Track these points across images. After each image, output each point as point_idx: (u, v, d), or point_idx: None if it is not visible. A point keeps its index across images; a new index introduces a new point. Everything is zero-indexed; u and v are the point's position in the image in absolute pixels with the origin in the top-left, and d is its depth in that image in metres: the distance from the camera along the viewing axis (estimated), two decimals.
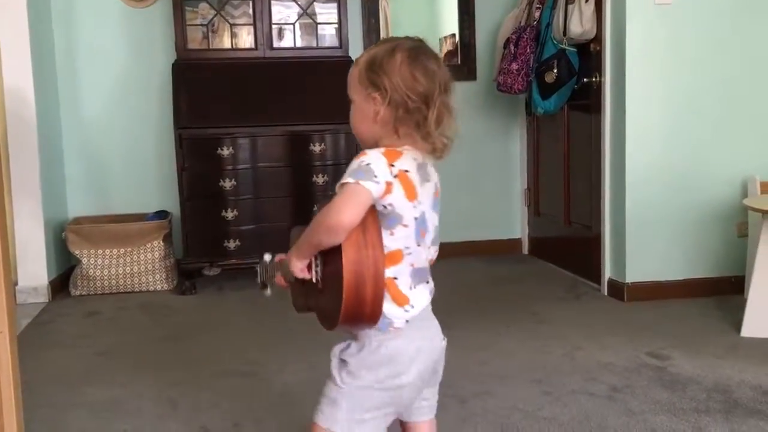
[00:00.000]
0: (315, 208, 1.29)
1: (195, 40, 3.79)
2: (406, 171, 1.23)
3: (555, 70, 3.46)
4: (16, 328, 1.45)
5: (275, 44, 3.83)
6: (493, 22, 4.19)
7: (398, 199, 1.21)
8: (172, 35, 3.71)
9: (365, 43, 4.13)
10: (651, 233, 3.21)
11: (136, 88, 3.95)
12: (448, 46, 4.38)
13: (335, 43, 3.88)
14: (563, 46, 3.43)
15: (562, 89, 3.50)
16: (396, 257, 1.23)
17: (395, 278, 1.24)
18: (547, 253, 4.11)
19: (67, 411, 2.14)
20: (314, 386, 2.25)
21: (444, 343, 1.34)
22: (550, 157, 3.97)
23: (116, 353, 2.69)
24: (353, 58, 3.83)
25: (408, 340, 1.25)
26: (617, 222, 3.27)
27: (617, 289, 3.26)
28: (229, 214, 3.54)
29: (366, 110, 1.29)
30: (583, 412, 2.05)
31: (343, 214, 1.17)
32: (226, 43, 3.84)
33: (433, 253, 1.33)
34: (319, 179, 3.62)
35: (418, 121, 1.26)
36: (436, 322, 1.33)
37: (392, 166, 1.22)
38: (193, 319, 3.16)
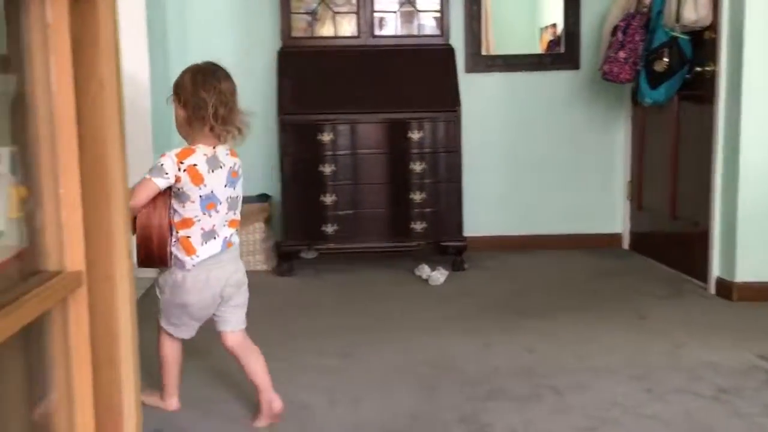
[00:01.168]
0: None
1: (299, 28, 3.88)
2: (194, 165, 1.85)
3: (666, 59, 3.32)
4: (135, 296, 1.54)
5: (376, 32, 3.86)
6: (599, 10, 4.07)
7: (186, 185, 1.84)
8: (278, 24, 3.81)
9: (466, 32, 4.10)
10: (765, 230, 3.04)
11: (242, 76, 4.02)
12: (548, 36, 4.29)
13: (436, 31, 3.87)
14: (675, 34, 3.29)
15: (672, 79, 3.35)
16: (188, 223, 1.87)
17: (189, 237, 1.87)
18: (649, 249, 3.97)
19: None
20: (409, 371, 2.28)
21: (237, 276, 1.94)
22: (657, 149, 3.82)
23: None
24: (454, 46, 3.84)
25: (194, 276, 1.87)
26: (728, 218, 3.12)
27: (726, 288, 3.11)
28: (328, 199, 3.61)
29: (176, 114, 1.95)
30: (687, 411, 1.98)
31: (135, 200, 1.80)
32: (329, 31, 3.91)
33: (232, 216, 1.95)
34: (417, 167, 3.63)
35: (203, 117, 1.87)
36: (231, 266, 1.93)
37: (182, 163, 1.84)
38: (290, 299, 3.25)
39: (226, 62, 4.04)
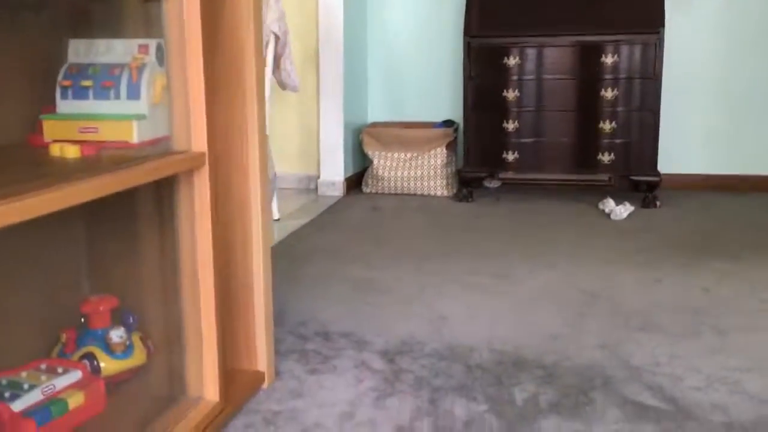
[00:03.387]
0: None
1: None
2: None
3: None
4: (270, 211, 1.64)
5: None
6: None
7: None
8: None
9: None
10: None
11: (432, 1, 4.06)
12: None
13: None
14: None
15: None
16: None
17: None
18: None
19: (330, 283, 2.38)
20: (562, 296, 2.20)
21: None
22: None
23: (388, 242, 2.90)
24: None
25: None
26: None
27: None
28: (510, 126, 3.51)
29: None
30: None
31: None
32: None
33: None
34: (608, 93, 3.39)
35: None
36: None
37: None
38: (462, 223, 3.25)
39: None
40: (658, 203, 3.44)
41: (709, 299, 2.18)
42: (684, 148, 3.81)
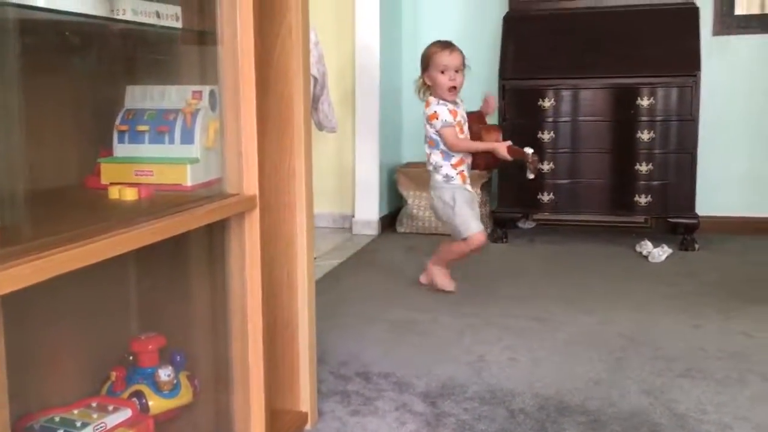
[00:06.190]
0: None
1: None
2: None
3: None
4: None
5: None
6: None
7: None
8: None
9: None
10: None
11: (470, 43, 4.10)
12: None
13: None
14: None
15: None
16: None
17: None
18: None
19: (370, 324, 2.39)
20: (600, 340, 2.18)
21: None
22: None
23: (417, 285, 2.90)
24: (699, 5, 3.50)
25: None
26: None
27: None
28: (545, 167, 3.52)
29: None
30: None
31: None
32: None
33: None
34: (644, 135, 3.39)
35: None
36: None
37: None
38: (498, 264, 3.25)
39: (454, 29, 4.15)
40: (696, 246, 3.41)
41: (752, 344, 2.15)
42: (723, 190, 3.78)
